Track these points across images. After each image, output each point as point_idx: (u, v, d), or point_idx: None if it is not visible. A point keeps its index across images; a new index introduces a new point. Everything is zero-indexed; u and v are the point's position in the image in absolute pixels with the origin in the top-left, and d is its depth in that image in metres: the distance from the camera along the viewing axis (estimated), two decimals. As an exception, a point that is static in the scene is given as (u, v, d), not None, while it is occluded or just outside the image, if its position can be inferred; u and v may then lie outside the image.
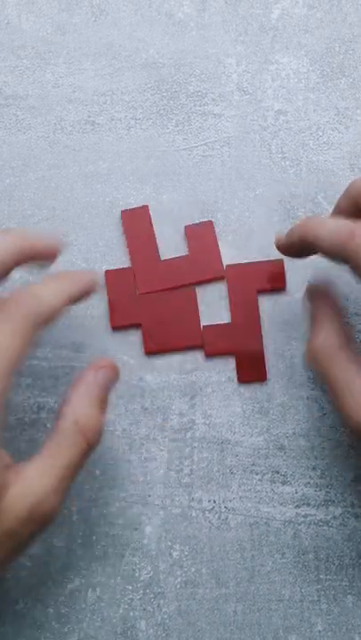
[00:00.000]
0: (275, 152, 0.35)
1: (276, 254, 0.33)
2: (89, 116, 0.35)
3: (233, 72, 0.36)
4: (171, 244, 0.34)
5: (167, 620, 0.31)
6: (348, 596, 0.31)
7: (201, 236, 0.34)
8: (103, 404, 0.27)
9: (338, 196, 0.34)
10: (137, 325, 0.33)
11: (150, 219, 0.34)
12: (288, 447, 0.32)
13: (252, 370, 0.33)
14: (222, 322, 0.33)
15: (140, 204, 0.34)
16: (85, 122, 0.35)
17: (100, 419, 0.26)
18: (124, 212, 0.34)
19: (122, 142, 0.35)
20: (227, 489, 0.32)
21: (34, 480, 0.24)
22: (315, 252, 0.28)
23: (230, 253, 0.34)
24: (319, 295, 0.30)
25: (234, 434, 0.32)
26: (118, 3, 0.37)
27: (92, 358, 0.33)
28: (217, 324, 0.33)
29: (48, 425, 0.32)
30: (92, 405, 0.27)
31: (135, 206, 0.34)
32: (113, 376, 0.28)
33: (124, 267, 0.34)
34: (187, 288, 0.33)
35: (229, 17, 0.36)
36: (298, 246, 0.29)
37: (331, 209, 0.34)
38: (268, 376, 0.33)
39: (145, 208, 0.34)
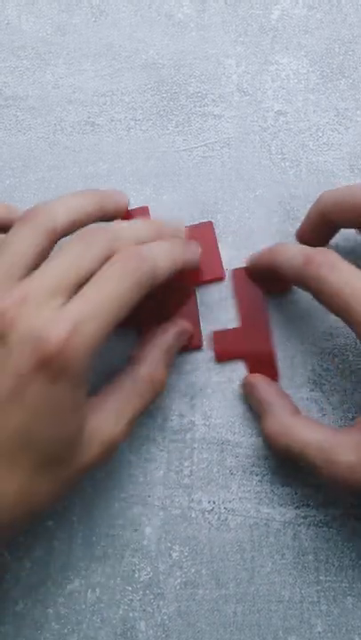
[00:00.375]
0: (275, 153, 0.35)
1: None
2: (89, 117, 0.35)
3: (233, 73, 0.36)
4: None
5: (167, 621, 0.31)
6: (348, 598, 0.31)
7: (201, 236, 0.34)
8: (171, 361, 0.30)
9: (338, 197, 0.35)
10: (136, 326, 0.33)
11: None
12: (288, 448, 0.32)
13: (263, 372, 0.33)
14: (227, 325, 0.33)
15: (141, 205, 0.34)
16: (85, 123, 0.35)
17: (166, 374, 0.30)
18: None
19: (122, 143, 0.35)
20: (227, 490, 0.32)
21: (110, 419, 0.27)
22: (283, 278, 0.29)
23: (230, 254, 0.34)
24: (254, 385, 0.32)
25: (234, 434, 0.32)
26: (118, 3, 0.37)
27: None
28: (226, 329, 0.33)
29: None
30: (163, 364, 0.30)
31: (135, 207, 0.34)
32: (184, 340, 0.32)
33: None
34: (187, 288, 0.33)
35: (229, 18, 0.36)
36: (264, 273, 0.31)
37: (331, 210, 0.34)
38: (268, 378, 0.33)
39: (145, 209, 0.34)
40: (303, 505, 0.32)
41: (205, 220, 0.34)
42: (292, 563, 0.31)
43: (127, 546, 0.31)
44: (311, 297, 0.28)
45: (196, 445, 0.32)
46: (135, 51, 0.36)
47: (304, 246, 0.28)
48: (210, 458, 0.32)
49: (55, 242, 0.28)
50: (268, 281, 0.33)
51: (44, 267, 0.26)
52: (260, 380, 0.32)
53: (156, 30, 0.36)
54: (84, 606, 0.31)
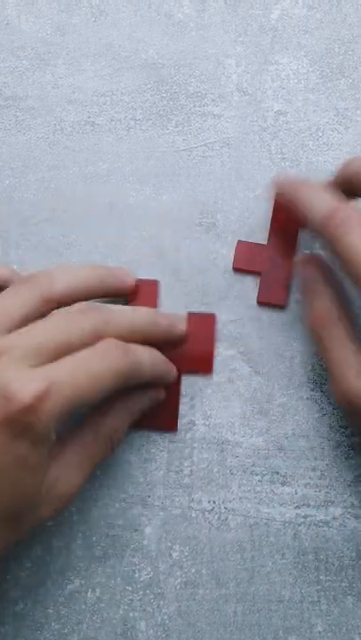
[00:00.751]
0: (274, 153, 0.35)
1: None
2: (89, 117, 0.35)
3: (233, 73, 0.36)
4: (171, 247, 0.34)
5: (167, 621, 0.31)
6: (348, 597, 0.31)
7: (200, 326, 0.33)
8: (133, 421, 0.30)
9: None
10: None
11: (157, 294, 0.33)
12: (288, 448, 0.32)
13: (274, 291, 0.33)
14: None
15: (140, 204, 0.34)
16: (85, 122, 0.35)
17: (124, 435, 0.30)
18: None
19: (121, 143, 0.35)
20: (227, 490, 0.32)
21: (70, 474, 0.27)
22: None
23: (230, 254, 0.34)
24: (313, 265, 0.30)
25: (234, 434, 0.32)
26: (118, 3, 0.37)
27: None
28: (252, 242, 0.33)
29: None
30: (126, 424, 0.30)
31: (144, 277, 0.33)
32: (156, 401, 0.31)
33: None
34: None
35: (229, 17, 0.36)
36: (287, 207, 0.30)
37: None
38: (268, 377, 0.33)
39: (153, 284, 0.33)
40: (303, 505, 0.32)
41: (208, 313, 0.33)
42: (292, 562, 0.31)
43: (127, 546, 0.31)
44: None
45: (196, 445, 0.32)
46: (135, 51, 0.36)
47: (330, 197, 0.27)
48: (210, 458, 0.32)
49: (50, 309, 0.27)
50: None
51: (30, 327, 0.26)
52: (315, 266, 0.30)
53: (156, 30, 0.36)
54: (84, 606, 0.31)
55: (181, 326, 0.31)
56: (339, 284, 0.30)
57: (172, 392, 0.32)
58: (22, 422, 0.23)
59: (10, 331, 0.26)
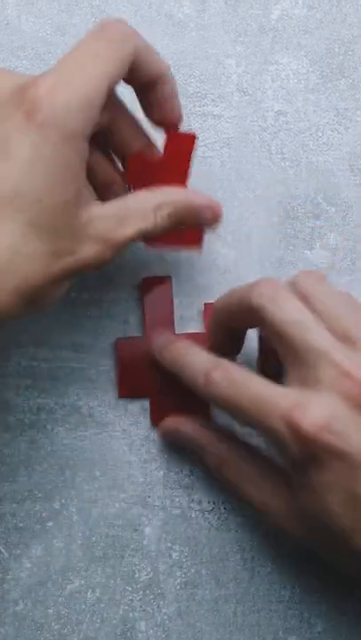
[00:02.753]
0: (274, 153, 0.35)
1: (270, 256, 0.33)
2: (89, 117, 0.35)
3: (233, 73, 0.36)
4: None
5: (167, 621, 0.31)
6: (349, 597, 0.31)
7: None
8: (177, 218, 0.28)
9: (338, 197, 0.34)
10: (145, 396, 0.32)
11: (171, 292, 0.33)
12: (288, 448, 0.32)
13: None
14: None
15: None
16: (85, 123, 0.35)
17: (166, 219, 0.28)
18: (145, 280, 0.33)
19: (122, 143, 0.35)
20: (227, 490, 0.32)
21: (111, 222, 0.26)
22: None
23: (229, 254, 0.34)
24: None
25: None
26: (118, 3, 0.37)
27: (91, 358, 0.33)
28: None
29: (48, 426, 0.32)
30: (167, 208, 0.28)
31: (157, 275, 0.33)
32: (205, 220, 0.30)
33: (136, 335, 0.33)
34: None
35: (229, 18, 0.36)
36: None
37: (330, 209, 0.34)
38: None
39: (167, 283, 0.33)
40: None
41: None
42: (292, 563, 0.31)
43: (127, 546, 0.31)
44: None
45: (196, 445, 0.32)
46: (135, 51, 0.36)
47: (203, 358, 0.28)
48: (210, 458, 0.32)
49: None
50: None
51: None
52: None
53: (156, 30, 0.36)
54: (84, 606, 0.31)
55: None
56: None
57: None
58: (42, 112, 0.23)
59: None
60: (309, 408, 0.23)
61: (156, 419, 0.32)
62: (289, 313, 0.25)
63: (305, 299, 0.26)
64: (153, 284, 0.33)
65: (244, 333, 0.31)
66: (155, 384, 0.32)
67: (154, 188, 0.29)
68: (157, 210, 0.27)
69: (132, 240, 0.27)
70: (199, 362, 0.28)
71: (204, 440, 0.30)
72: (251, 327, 0.29)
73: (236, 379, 0.26)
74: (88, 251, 0.25)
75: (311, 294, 0.26)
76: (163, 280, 0.33)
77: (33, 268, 0.24)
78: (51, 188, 0.24)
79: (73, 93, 0.24)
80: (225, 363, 0.27)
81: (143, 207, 0.27)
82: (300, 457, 0.24)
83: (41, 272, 0.24)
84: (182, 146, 0.30)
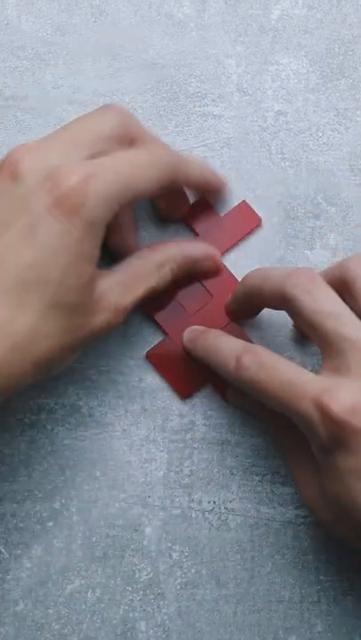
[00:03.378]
0: (274, 153, 0.35)
1: (270, 256, 0.33)
2: (89, 117, 0.35)
3: (233, 73, 0.36)
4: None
5: (167, 621, 0.31)
6: (349, 597, 0.31)
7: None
8: (183, 269, 0.31)
9: (338, 197, 0.34)
10: (204, 384, 0.33)
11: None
12: (288, 448, 0.32)
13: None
14: None
15: (140, 204, 0.34)
16: (85, 123, 0.35)
17: (175, 271, 0.31)
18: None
19: (122, 143, 0.35)
20: (227, 490, 0.32)
21: (118, 289, 0.28)
22: None
23: (230, 254, 0.34)
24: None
25: (234, 434, 0.32)
26: (118, 3, 0.37)
27: (91, 358, 0.33)
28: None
29: (48, 426, 0.32)
30: (174, 260, 0.31)
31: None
32: (205, 267, 0.33)
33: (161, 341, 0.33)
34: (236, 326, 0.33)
35: (229, 17, 0.36)
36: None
37: (330, 209, 0.34)
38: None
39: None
40: (303, 505, 0.32)
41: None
42: (292, 562, 0.31)
43: (127, 546, 0.31)
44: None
45: (196, 445, 0.32)
46: (135, 51, 0.36)
47: (234, 345, 0.28)
48: (210, 458, 0.32)
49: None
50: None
51: (71, 123, 0.28)
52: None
53: (156, 30, 0.36)
54: (84, 607, 0.31)
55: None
56: None
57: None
58: (72, 203, 0.24)
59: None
60: (339, 392, 0.24)
61: (229, 395, 0.32)
62: (323, 304, 0.26)
63: (350, 282, 0.27)
64: None
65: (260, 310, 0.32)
66: (208, 371, 0.32)
67: (156, 244, 0.31)
68: (160, 268, 0.30)
69: (141, 300, 0.29)
70: (230, 347, 0.28)
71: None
72: (277, 310, 0.29)
73: (266, 363, 0.26)
74: (101, 321, 0.27)
75: (357, 278, 0.27)
76: None
77: (50, 343, 0.25)
78: (71, 273, 0.25)
79: (103, 192, 0.25)
80: (256, 347, 0.27)
81: (147, 268, 0.29)
82: (328, 441, 0.24)
83: (58, 346, 0.26)
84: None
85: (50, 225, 0.24)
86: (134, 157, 0.27)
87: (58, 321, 0.25)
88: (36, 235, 0.24)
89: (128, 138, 0.28)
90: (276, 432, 0.30)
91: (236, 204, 0.34)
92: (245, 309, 0.31)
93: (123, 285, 0.28)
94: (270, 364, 0.26)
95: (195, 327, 0.32)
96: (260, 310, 0.32)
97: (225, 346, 0.29)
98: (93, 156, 0.26)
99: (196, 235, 0.34)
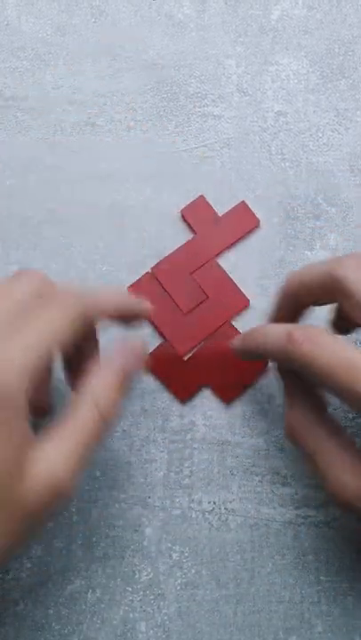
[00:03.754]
0: (275, 153, 0.35)
1: (270, 257, 0.33)
2: (89, 118, 0.35)
3: (233, 73, 0.36)
4: (171, 247, 0.34)
5: (167, 622, 0.31)
6: (349, 597, 0.31)
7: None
8: (124, 388, 0.27)
9: (338, 197, 0.34)
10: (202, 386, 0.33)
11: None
12: (288, 448, 0.32)
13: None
14: None
15: (140, 204, 0.34)
16: (85, 123, 0.35)
17: (119, 402, 0.26)
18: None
19: (122, 144, 0.35)
20: (227, 490, 0.32)
21: (56, 461, 0.24)
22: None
23: (230, 255, 0.34)
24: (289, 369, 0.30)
25: (234, 435, 0.32)
26: (118, 4, 0.37)
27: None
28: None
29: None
30: (113, 389, 0.26)
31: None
32: (137, 364, 0.28)
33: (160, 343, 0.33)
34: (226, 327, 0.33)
35: (229, 18, 0.36)
36: (250, 356, 0.30)
37: (330, 210, 0.34)
38: (268, 377, 0.33)
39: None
40: (303, 505, 0.32)
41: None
42: (292, 563, 0.31)
43: (127, 546, 0.31)
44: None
45: (196, 446, 0.32)
46: (135, 51, 0.36)
47: (282, 326, 0.27)
48: (210, 458, 0.32)
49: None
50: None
51: None
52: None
53: (156, 30, 0.36)
54: (84, 607, 0.31)
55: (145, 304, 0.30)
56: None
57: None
58: None
59: None
60: None
61: (226, 398, 0.33)
62: None
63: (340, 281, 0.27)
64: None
65: (306, 311, 0.31)
66: (206, 373, 0.32)
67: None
68: (102, 401, 0.26)
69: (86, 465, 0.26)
70: (279, 329, 0.27)
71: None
72: (323, 302, 0.29)
73: (319, 339, 0.26)
74: (39, 501, 0.23)
75: None
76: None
77: None
78: None
79: (17, 376, 0.23)
80: (307, 325, 0.27)
81: (88, 405, 0.26)
82: None
83: None
84: None
85: None
86: (44, 322, 0.24)
87: None
88: None
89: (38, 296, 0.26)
90: (311, 421, 0.29)
91: (236, 204, 0.34)
92: (288, 315, 0.30)
93: (63, 456, 0.24)
94: (324, 340, 0.25)
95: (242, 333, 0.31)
96: (302, 314, 0.31)
97: (274, 329, 0.28)
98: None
99: (195, 233, 0.34)
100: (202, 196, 0.34)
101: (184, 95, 0.36)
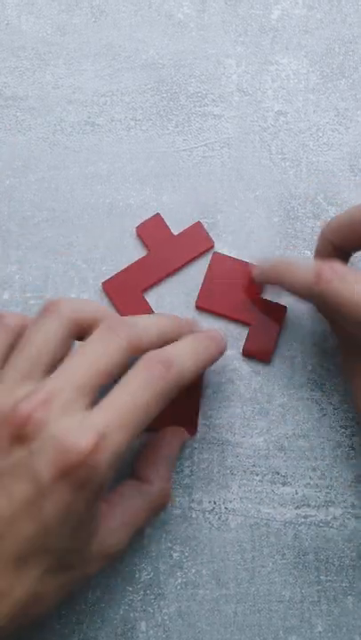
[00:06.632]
0: (275, 153, 0.35)
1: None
2: (89, 117, 0.35)
3: (233, 73, 0.36)
4: (171, 245, 0.34)
5: (167, 621, 0.31)
6: (349, 597, 0.31)
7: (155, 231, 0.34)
8: (173, 469, 0.31)
9: (338, 197, 0.34)
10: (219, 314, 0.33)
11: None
12: (288, 448, 0.32)
13: (260, 346, 0.33)
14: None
15: (140, 205, 0.34)
16: (85, 123, 0.35)
17: (171, 485, 0.31)
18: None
19: (122, 143, 0.35)
20: (227, 490, 0.32)
21: (117, 534, 0.26)
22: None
23: (230, 254, 0.34)
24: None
25: (234, 435, 0.32)
26: (118, 3, 0.37)
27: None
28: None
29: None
30: (171, 477, 0.29)
31: (145, 214, 0.34)
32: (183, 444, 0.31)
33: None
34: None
35: (229, 18, 0.36)
36: (273, 285, 0.30)
37: (330, 210, 0.34)
38: (268, 377, 0.33)
39: (158, 218, 0.34)
40: (303, 505, 0.32)
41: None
42: (292, 563, 0.31)
43: (127, 546, 0.31)
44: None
45: (196, 445, 0.32)
46: (135, 51, 0.36)
47: (310, 262, 0.28)
48: (210, 458, 0.32)
49: (77, 335, 0.27)
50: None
51: (66, 363, 0.25)
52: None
53: (156, 30, 0.36)
54: (84, 606, 0.31)
55: (198, 328, 0.30)
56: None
57: (191, 400, 0.32)
58: (80, 476, 0.22)
59: (48, 370, 0.25)
60: None
61: (250, 348, 0.33)
62: None
63: None
64: None
65: (349, 257, 0.31)
66: (237, 304, 0.33)
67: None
68: (163, 494, 0.29)
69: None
70: (305, 265, 0.27)
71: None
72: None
73: (348, 276, 0.26)
74: (93, 569, 0.26)
75: None
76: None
77: (49, 602, 0.24)
78: (72, 539, 0.24)
79: (111, 457, 0.23)
80: (335, 262, 0.27)
81: (150, 503, 0.28)
82: None
83: (50, 606, 0.25)
84: None
85: (56, 497, 0.22)
86: (136, 397, 0.24)
87: (57, 581, 0.24)
88: (40, 508, 0.22)
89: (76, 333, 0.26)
90: (346, 354, 0.30)
91: (235, 203, 0.34)
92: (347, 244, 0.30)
93: (123, 529, 0.27)
94: (352, 277, 0.26)
95: (267, 258, 0.32)
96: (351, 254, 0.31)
97: (299, 265, 0.28)
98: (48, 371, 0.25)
99: (148, 250, 0.34)
100: (158, 214, 0.34)
101: (184, 95, 0.36)
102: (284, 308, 0.33)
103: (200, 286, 0.33)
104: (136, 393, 0.24)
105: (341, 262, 0.29)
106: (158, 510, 0.28)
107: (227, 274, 0.33)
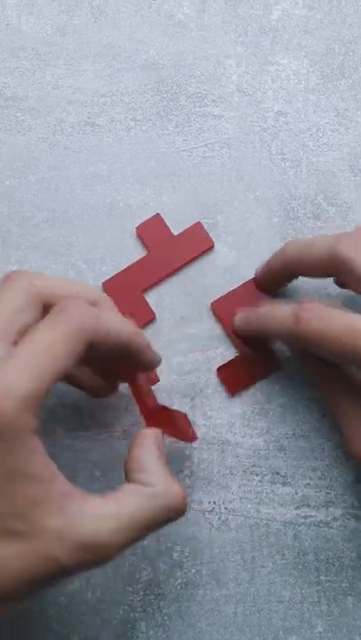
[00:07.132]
0: (275, 153, 0.35)
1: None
2: (89, 118, 0.35)
3: (233, 73, 0.36)
4: (171, 246, 0.34)
5: (167, 622, 0.31)
6: (349, 597, 0.31)
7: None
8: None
9: (338, 197, 0.34)
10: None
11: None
12: (288, 448, 0.32)
13: (231, 377, 0.33)
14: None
15: (140, 205, 0.34)
16: (85, 123, 0.35)
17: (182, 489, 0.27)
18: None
19: (122, 144, 0.35)
20: (227, 490, 0.32)
21: (106, 523, 0.24)
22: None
23: (230, 254, 0.34)
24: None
25: (234, 435, 0.32)
26: (118, 4, 0.37)
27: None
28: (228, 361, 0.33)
29: (48, 426, 0.32)
30: (171, 476, 0.27)
31: (143, 213, 0.34)
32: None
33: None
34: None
35: (229, 18, 0.36)
36: (255, 335, 0.32)
37: (330, 210, 0.34)
38: (269, 377, 0.33)
39: (158, 218, 0.34)
40: (303, 505, 0.32)
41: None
42: (292, 563, 0.31)
43: (127, 547, 0.31)
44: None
45: (196, 446, 0.32)
46: (135, 51, 0.36)
47: (289, 307, 0.28)
48: (210, 458, 0.32)
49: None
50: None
51: None
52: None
53: (156, 30, 0.36)
54: (84, 607, 0.31)
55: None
56: None
57: (175, 412, 0.31)
58: None
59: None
60: None
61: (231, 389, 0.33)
62: None
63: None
64: None
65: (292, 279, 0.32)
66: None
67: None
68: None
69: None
70: (284, 309, 0.29)
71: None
72: (321, 276, 0.30)
73: (324, 313, 0.27)
74: (63, 554, 0.23)
75: None
76: None
77: (8, 574, 0.23)
78: (6, 495, 0.23)
79: (18, 405, 0.22)
80: (310, 302, 0.28)
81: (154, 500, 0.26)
82: None
83: (8, 576, 0.23)
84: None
85: None
86: (45, 343, 0.24)
87: (7, 550, 0.22)
88: None
89: (41, 302, 0.26)
90: (330, 391, 0.30)
91: (236, 204, 0.34)
92: (280, 279, 0.32)
93: (116, 520, 0.24)
94: (329, 314, 0.27)
95: (244, 309, 0.32)
96: (290, 282, 0.33)
97: (278, 310, 0.29)
98: (16, 341, 0.24)
99: (148, 250, 0.34)
100: (158, 215, 0.34)
101: (184, 95, 0.36)
102: (276, 366, 0.33)
103: (226, 292, 0.33)
104: (37, 337, 0.24)
105: (284, 283, 0.33)
106: (172, 513, 0.26)
107: (250, 301, 0.33)
